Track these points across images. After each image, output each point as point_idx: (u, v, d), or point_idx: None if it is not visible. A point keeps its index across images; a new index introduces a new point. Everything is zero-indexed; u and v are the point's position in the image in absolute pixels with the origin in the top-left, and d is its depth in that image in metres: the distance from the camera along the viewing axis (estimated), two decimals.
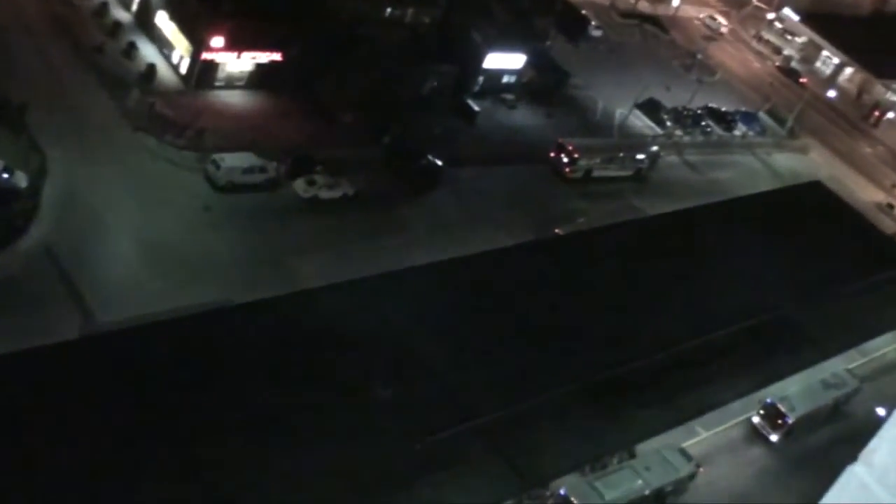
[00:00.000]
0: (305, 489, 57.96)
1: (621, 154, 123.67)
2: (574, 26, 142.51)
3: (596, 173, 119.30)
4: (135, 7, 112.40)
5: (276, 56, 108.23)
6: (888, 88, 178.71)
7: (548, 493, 71.14)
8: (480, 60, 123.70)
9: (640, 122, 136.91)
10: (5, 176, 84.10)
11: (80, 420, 56.26)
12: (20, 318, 73.79)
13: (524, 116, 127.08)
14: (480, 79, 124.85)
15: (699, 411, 78.31)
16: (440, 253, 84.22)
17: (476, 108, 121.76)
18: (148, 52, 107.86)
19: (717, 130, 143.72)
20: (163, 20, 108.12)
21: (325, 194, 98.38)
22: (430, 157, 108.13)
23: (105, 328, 75.14)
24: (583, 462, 71.95)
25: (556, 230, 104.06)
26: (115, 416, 57.82)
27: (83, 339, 72.54)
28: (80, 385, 60.26)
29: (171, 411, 59.20)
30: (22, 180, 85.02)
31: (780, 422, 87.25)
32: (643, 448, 76.23)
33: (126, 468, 54.69)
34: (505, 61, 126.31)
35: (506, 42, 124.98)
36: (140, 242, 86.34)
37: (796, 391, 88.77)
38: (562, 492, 70.83)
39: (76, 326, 75.33)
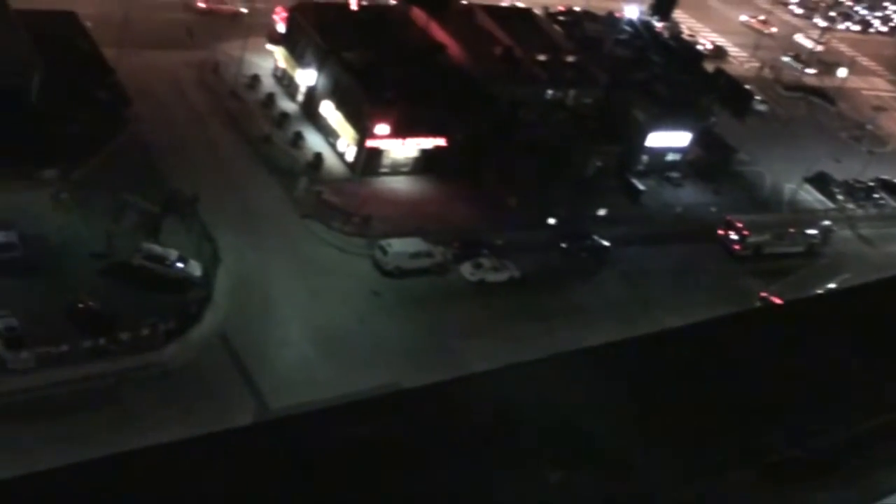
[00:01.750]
0: None
1: (792, 230, 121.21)
2: (739, 101, 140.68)
3: (766, 250, 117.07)
4: (300, 98, 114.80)
5: (441, 141, 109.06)
6: None
7: None
8: (644, 139, 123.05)
9: (811, 197, 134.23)
10: (179, 265, 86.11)
11: None
12: (195, 405, 75.13)
13: (690, 194, 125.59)
14: (644, 157, 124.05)
15: (885, 493, 75.41)
16: (609, 334, 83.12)
17: (641, 186, 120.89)
18: (314, 141, 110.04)
19: (892, 203, 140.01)
20: (328, 110, 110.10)
21: (491, 277, 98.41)
22: (595, 238, 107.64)
23: (278, 414, 75.74)
24: None
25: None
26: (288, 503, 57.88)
27: (257, 425, 73.11)
28: (254, 471, 60.58)
29: (346, 497, 59.02)
30: (195, 269, 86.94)
31: None
32: None
33: None
34: (669, 139, 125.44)
35: (669, 120, 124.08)
36: (310, 328, 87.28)
37: None
38: None
39: (250, 412, 76.27)
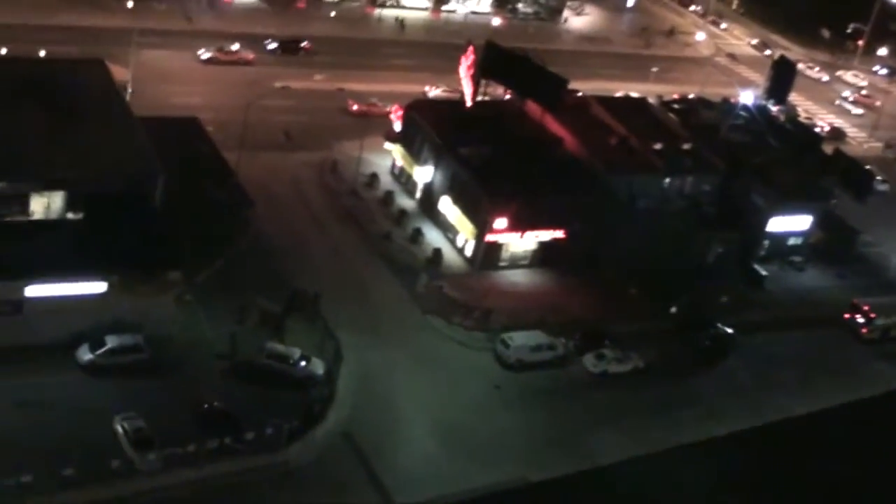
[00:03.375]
0: None
1: None
2: (860, 182, 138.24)
3: (895, 333, 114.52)
4: (418, 194, 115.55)
5: (559, 234, 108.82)
6: None
7: None
8: (764, 224, 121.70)
9: None
10: (303, 364, 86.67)
11: None
12: (321, 500, 75.20)
13: (814, 278, 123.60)
14: (766, 242, 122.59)
15: None
16: (735, 423, 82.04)
17: (763, 272, 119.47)
18: (433, 236, 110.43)
19: None
20: (446, 205, 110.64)
21: (614, 368, 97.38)
22: (719, 326, 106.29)
23: None
24: None
25: None
26: None
27: None
28: None
29: None
30: (318, 367, 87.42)
31: None
32: None
33: None
34: (790, 223, 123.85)
35: (789, 204, 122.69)
36: (433, 424, 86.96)
37: None
38: None
39: None
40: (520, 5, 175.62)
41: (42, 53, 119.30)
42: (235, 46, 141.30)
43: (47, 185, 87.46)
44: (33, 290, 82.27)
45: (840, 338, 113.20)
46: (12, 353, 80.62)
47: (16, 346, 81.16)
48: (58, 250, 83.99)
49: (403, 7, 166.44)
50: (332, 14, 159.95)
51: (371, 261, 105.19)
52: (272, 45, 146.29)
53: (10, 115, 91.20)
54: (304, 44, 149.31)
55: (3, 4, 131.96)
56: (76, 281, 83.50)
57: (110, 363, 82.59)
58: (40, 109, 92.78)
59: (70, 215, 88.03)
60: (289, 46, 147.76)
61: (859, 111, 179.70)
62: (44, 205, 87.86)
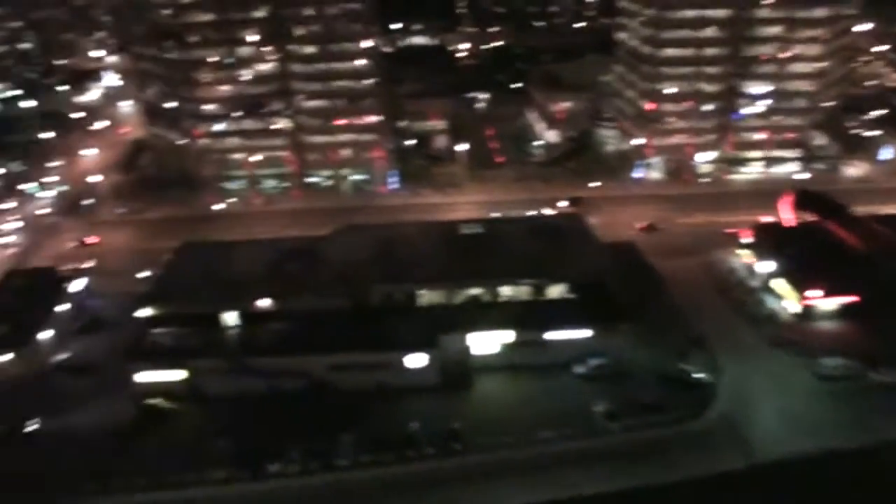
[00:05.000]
0: None
1: None
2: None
3: None
4: (760, 279, 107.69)
5: (853, 298, 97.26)
6: None
7: None
8: None
9: None
10: (698, 375, 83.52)
11: None
12: (710, 456, 71.82)
13: None
14: None
15: None
16: None
17: None
18: (770, 302, 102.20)
19: None
20: (777, 283, 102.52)
21: (889, 379, 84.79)
22: None
23: (763, 463, 70.10)
24: None
25: None
26: None
27: (750, 468, 68.47)
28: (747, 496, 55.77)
29: None
30: (707, 376, 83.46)
31: None
32: None
33: None
34: None
35: None
36: (775, 408, 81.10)
37: None
38: None
39: (745, 458, 71.23)
40: (816, 164, 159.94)
41: (530, 213, 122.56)
42: (562, 203, 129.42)
43: (557, 281, 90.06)
44: (550, 335, 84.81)
45: None
46: (539, 369, 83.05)
47: (540, 364, 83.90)
48: (563, 315, 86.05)
49: (746, 174, 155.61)
50: (701, 181, 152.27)
51: (734, 316, 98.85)
52: (565, 203, 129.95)
53: (532, 247, 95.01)
54: (583, 198, 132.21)
55: (517, 189, 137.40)
56: (574, 329, 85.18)
57: (592, 373, 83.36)
58: (550, 243, 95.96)
59: (568, 295, 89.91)
60: (575, 201, 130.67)
61: None
62: (556, 290, 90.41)
